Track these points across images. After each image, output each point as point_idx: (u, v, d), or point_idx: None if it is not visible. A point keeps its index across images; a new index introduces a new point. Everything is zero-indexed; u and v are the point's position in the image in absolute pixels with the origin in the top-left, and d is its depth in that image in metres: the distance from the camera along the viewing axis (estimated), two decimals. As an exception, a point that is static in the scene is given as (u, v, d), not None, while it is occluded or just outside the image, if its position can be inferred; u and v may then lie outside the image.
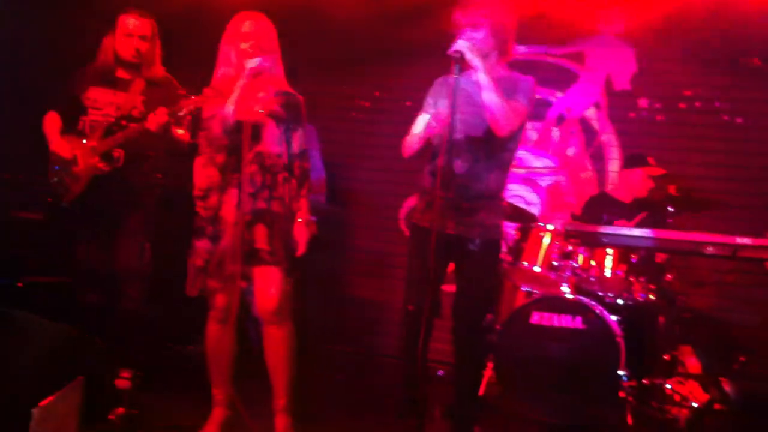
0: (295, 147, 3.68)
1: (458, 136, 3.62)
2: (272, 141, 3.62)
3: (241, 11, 3.72)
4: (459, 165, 3.63)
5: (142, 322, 4.53)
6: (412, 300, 3.67)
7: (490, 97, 3.52)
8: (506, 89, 3.61)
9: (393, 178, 6.47)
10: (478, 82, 3.60)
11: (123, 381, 4.33)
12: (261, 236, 3.55)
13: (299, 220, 3.65)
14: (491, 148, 3.65)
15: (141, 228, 4.46)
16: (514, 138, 3.72)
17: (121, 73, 4.49)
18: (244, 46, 3.63)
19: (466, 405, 3.79)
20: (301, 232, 3.65)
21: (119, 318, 4.49)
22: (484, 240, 3.66)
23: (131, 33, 4.41)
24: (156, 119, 4.08)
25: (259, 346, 3.76)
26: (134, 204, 4.39)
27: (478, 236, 3.65)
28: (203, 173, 3.66)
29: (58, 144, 4.38)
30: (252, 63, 3.57)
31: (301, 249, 3.64)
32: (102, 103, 4.42)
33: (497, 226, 3.75)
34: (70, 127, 4.44)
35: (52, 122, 4.47)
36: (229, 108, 3.56)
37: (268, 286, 3.60)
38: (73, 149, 4.36)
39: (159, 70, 4.52)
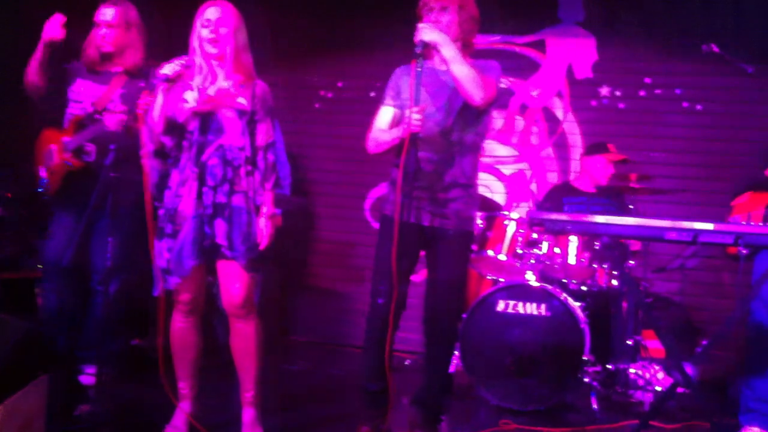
0: (260, 139, 3.61)
1: (428, 125, 3.61)
2: (234, 133, 3.56)
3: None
4: (430, 155, 3.64)
5: (114, 318, 4.50)
6: (382, 292, 3.67)
7: (458, 67, 3.49)
8: None
9: (357, 168, 6.47)
10: (442, 67, 3.62)
11: (89, 377, 4.30)
12: (221, 231, 3.51)
13: (263, 214, 3.62)
14: (461, 135, 3.66)
15: (118, 226, 4.41)
16: (483, 122, 3.73)
17: (107, 66, 4.44)
18: (205, 33, 3.57)
19: (435, 393, 3.81)
20: (265, 226, 3.60)
21: (93, 314, 4.46)
22: (458, 231, 3.67)
23: (98, 22, 4.37)
24: (113, 117, 4.07)
25: (226, 338, 3.74)
26: (113, 201, 4.32)
27: (453, 227, 3.66)
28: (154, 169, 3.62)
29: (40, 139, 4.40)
30: (166, 69, 3.49)
31: (263, 243, 3.59)
32: (83, 96, 4.39)
33: (471, 218, 3.76)
34: (60, 121, 4.42)
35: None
36: (156, 113, 3.52)
37: (232, 281, 3.57)
38: (50, 142, 4.33)
39: (139, 62, 4.45)
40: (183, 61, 3.51)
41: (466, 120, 3.66)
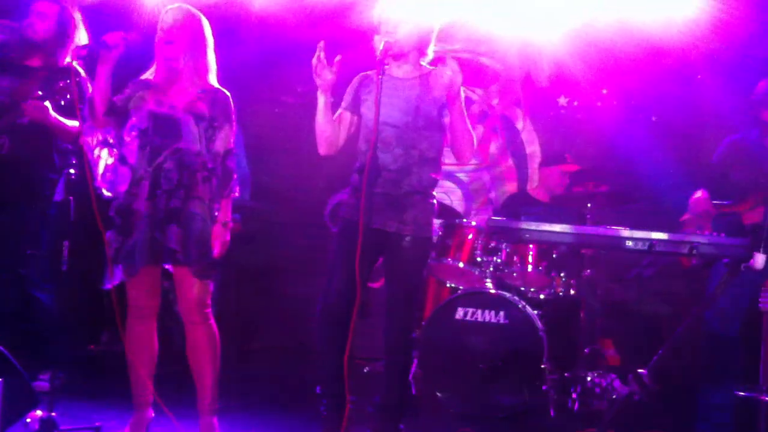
0: (218, 146, 3.59)
1: (387, 132, 3.63)
2: (191, 138, 3.53)
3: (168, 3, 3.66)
4: (389, 161, 3.65)
5: (58, 323, 4.44)
6: (336, 296, 3.65)
7: (464, 128, 3.61)
8: (432, 86, 3.67)
9: (318, 173, 6.44)
10: (404, 79, 3.72)
11: (41, 383, 4.22)
12: (174, 236, 3.47)
13: (219, 221, 3.59)
14: (421, 146, 3.67)
15: (43, 224, 4.35)
16: (443, 134, 3.75)
17: (30, 61, 4.40)
18: (161, 36, 3.57)
19: (394, 399, 3.80)
20: (219, 234, 3.57)
21: (36, 320, 4.40)
22: (416, 237, 3.67)
23: (31, 10, 4.36)
24: (31, 105, 4.06)
25: (183, 344, 3.70)
26: (32, 197, 4.28)
27: (411, 233, 3.66)
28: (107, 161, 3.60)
29: None
30: (106, 38, 3.47)
31: (217, 251, 3.56)
32: (1, 89, 4.34)
33: (429, 224, 3.76)
34: None
35: None
36: (99, 83, 3.50)
37: (186, 287, 3.54)
38: None
39: (61, 58, 4.41)
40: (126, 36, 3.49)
41: (425, 132, 3.68)
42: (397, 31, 3.63)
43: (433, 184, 3.80)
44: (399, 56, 3.68)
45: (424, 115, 3.66)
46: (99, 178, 3.56)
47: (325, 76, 3.59)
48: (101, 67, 3.48)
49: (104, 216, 3.51)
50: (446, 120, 3.68)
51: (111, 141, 3.56)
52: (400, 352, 3.79)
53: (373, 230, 3.59)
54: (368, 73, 3.81)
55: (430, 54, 3.81)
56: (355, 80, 3.87)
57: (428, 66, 3.80)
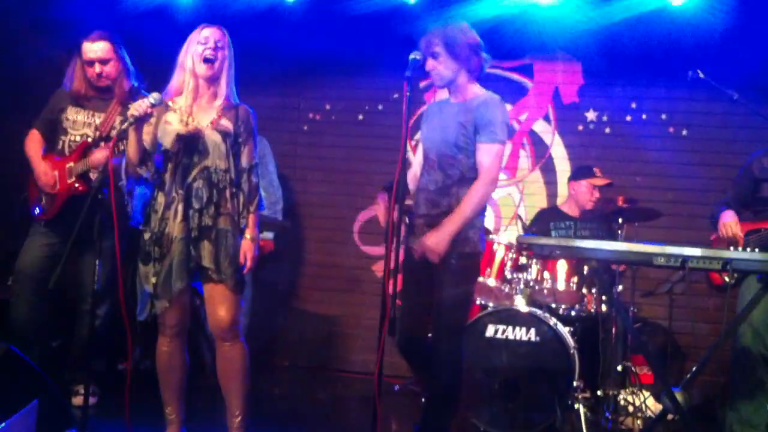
0: (244, 161, 3.63)
1: (430, 154, 3.72)
2: (219, 155, 3.56)
3: (202, 23, 3.69)
4: (430, 182, 3.71)
5: (101, 341, 4.49)
6: (404, 333, 3.73)
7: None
8: (477, 117, 3.67)
9: (346, 190, 6.45)
10: (452, 104, 3.79)
11: (77, 398, 4.25)
12: (207, 254, 3.50)
13: (246, 236, 3.61)
14: (461, 168, 3.67)
15: (113, 248, 4.42)
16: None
17: (97, 94, 4.49)
18: (202, 52, 3.56)
19: (438, 418, 3.76)
20: (249, 249, 3.59)
21: (84, 336, 4.45)
22: (455, 254, 3.64)
23: (91, 59, 4.42)
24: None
25: (213, 362, 3.71)
26: (110, 224, 4.34)
27: (450, 250, 3.63)
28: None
29: (40, 165, 4.41)
30: (132, 110, 3.44)
31: (248, 266, 3.59)
32: (80, 123, 4.45)
33: (468, 239, 3.70)
34: (51, 147, 4.48)
35: (34, 142, 4.51)
36: (131, 150, 3.52)
37: (218, 304, 3.55)
38: (52, 169, 4.37)
39: (129, 89, 4.49)
40: (153, 100, 3.48)
41: (467, 155, 3.68)
42: (431, 47, 3.65)
43: None
44: (435, 77, 3.74)
45: (452, 138, 3.69)
46: (137, 211, 3.62)
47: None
48: (134, 134, 3.50)
49: (137, 247, 3.57)
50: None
51: (148, 179, 3.61)
52: (442, 367, 3.72)
53: (420, 256, 3.65)
54: (434, 102, 3.95)
55: (479, 70, 3.79)
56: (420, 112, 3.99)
57: (481, 90, 3.80)
